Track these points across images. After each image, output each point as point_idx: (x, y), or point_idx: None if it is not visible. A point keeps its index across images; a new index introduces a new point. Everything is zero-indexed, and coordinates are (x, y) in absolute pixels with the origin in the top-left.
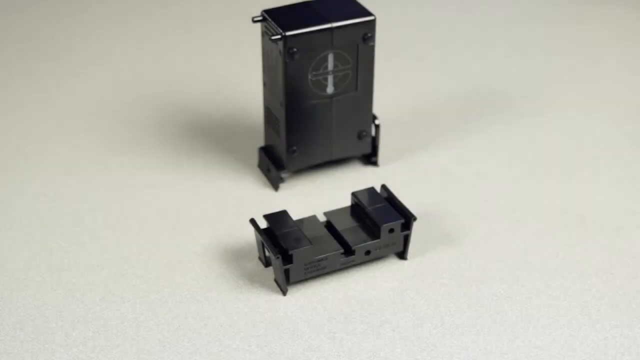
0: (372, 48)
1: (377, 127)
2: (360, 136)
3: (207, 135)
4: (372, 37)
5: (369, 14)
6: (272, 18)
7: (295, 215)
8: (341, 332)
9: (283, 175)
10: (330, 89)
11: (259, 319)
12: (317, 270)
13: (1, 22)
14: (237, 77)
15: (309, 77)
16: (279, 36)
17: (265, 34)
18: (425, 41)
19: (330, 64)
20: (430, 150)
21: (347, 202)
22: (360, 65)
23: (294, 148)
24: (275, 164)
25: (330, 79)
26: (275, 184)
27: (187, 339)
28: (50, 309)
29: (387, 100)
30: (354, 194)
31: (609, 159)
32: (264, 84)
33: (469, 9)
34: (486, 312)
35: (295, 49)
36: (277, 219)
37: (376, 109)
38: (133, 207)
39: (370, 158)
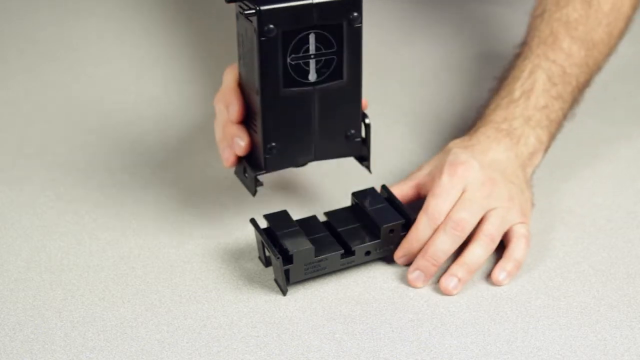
0: (359, 30)
1: (367, 126)
2: (347, 136)
3: (207, 135)
4: (359, 18)
5: None
6: None
7: (295, 215)
8: (341, 332)
9: (261, 177)
10: (312, 76)
11: (259, 319)
12: (317, 271)
13: (2, 22)
14: None
15: (288, 60)
16: (252, 11)
17: (239, 14)
18: (426, 41)
19: (312, 46)
20: (430, 150)
21: (347, 202)
22: (346, 50)
23: (273, 144)
24: (251, 165)
25: (312, 63)
26: (252, 188)
27: (186, 339)
28: (49, 309)
29: (387, 99)
30: (354, 194)
31: (609, 159)
32: (240, 76)
33: (470, 9)
34: (486, 312)
35: (271, 26)
36: (277, 219)
37: (376, 108)
38: (133, 207)
39: (362, 161)
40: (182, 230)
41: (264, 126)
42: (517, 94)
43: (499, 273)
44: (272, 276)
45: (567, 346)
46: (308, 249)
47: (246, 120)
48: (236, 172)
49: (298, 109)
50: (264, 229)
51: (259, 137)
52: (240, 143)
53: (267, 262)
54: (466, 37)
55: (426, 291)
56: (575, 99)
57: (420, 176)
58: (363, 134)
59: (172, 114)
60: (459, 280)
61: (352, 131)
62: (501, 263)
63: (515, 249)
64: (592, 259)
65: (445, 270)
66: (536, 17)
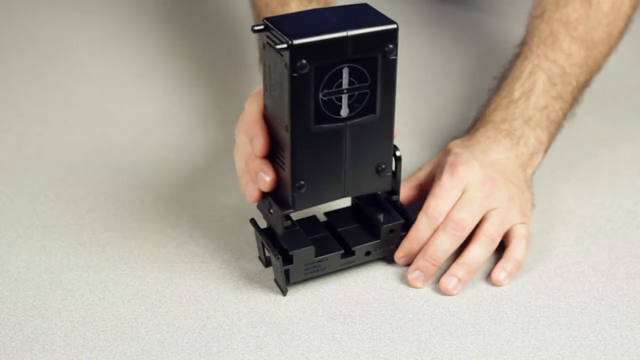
0: (394, 62)
1: (397, 159)
2: (378, 170)
3: (207, 135)
4: (395, 50)
5: (390, 22)
6: (276, 26)
7: (295, 215)
8: (341, 332)
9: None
10: (344, 111)
11: (259, 320)
12: (317, 271)
13: (2, 22)
14: (237, 77)
15: (320, 96)
16: (284, 45)
17: (267, 45)
18: (425, 41)
19: (345, 81)
20: (430, 150)
21: (347, 202)
22: (380, 84)
23: (302, 182)
24: (277, 203)
25: (344, 98)
26: (278, 227)
27: (186, 339)
28: (49, 309)
29: None
30: None
31: (608, 159)
32: (265, 108)
33: (470, 9)
34: (486, 312)
35: (303, 61)
36: None
37: None
38: (132, 207)
39: (391, 196)
40: (182, 230)
41: (293, 164)
42: (517, 94)
43: (499, 273)
44: (272, 276)
45: (567, 346)
46: (308, 249)
47: (270, 154)
48: (259, 207)
49: (328, 145)
50: (264, 229)
51: (286, 174)
52: (266, 178)
53: (267, 262)
54: (466, 37)
55: (426, 291)
56: (575, 99)
57: (421, 176)
58: (393, 167)
59: (172, 114)
60: (459, 280)
61: (383, 165)
62: (501, 263)
63: (515, 249)
64: (592, 259)
65: (445, 270)
66: (535, 17)
